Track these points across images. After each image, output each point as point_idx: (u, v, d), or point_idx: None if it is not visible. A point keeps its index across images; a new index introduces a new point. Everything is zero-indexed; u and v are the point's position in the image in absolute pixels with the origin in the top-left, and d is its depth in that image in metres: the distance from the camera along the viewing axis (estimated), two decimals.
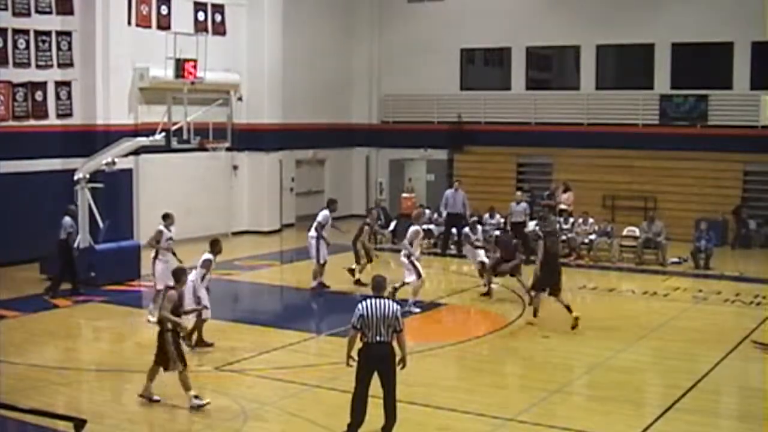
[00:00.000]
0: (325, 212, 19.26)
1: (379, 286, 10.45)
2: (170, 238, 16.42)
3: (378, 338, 10.07)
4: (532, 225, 23.96)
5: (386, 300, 10.26)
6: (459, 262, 22.45)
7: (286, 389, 12.44)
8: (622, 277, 21.61)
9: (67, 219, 18.62)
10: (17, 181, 20.92)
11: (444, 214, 24.37)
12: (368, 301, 10.17)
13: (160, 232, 16.34)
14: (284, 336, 15.36)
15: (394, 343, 10.24)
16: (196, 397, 11.50)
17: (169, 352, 11.49)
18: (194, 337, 14.33)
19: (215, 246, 14.84)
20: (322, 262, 18.94)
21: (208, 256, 14.57)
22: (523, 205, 23.59)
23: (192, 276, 14.15)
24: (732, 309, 17.96)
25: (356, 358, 10.24)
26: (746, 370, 13.94)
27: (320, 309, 18.46)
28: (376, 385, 10.25)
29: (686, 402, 12.02)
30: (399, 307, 10.44)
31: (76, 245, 19.87)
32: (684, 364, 14.01)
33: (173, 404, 11.98)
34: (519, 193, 24.77)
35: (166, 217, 16.64)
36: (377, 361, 10.13)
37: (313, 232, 18.93)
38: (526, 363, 14.27)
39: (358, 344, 10.26)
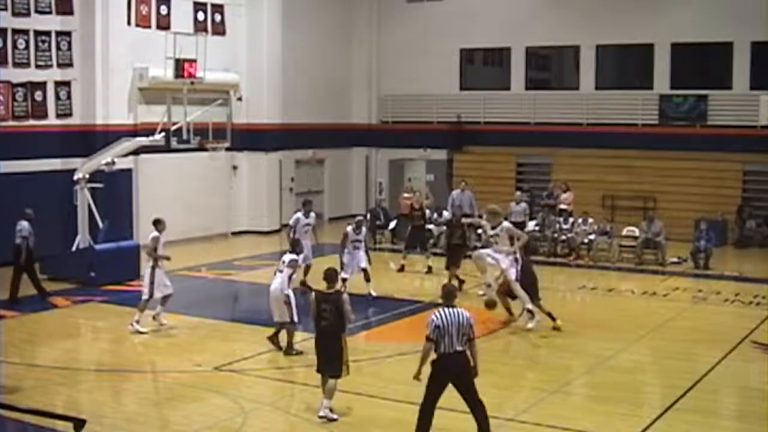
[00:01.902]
0: (296, 215, 18.97)
1: (450, 294, 10.18)
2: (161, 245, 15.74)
3: (454, 348, 9.79)
4: (531, 225, 24.00)
5: (458, 308, 9.98)
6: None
7: (286, 389, 12.44)
8: (621, 277, 21.61)
9: (24, 223, 17.64)
10: (17, 181, 20.90)
11: (449, 214, 24.37)
12: (443, 310, 9.88)
13: (157, 239, 15.59)
14: (284, 336, 15.34)
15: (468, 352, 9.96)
16: (331, 409, 11.08)
17: (347, 359, 11.05)
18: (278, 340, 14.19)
19: (297, 246, 14.73)
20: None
21: (293, 256, 14.25)
22: (523, 205, 23.59)
23: (278, 281, 13.95)
24: (731, 309, 17.96)
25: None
26: (746, 370, 13.94)
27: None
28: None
29: (686, 402, 12.03)
30: (469, 315, 10.09)
31: (74, 247, 19.90)
32: (683, 364, 14.02)
33: (173, 404, 12.00)
34: (518, 193, 24.81)
35: (158, 223, 15.78)
36: (454, 372, 9.84)
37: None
38: (526, 363, 14.28)
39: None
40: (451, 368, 9.81)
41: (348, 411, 11.35)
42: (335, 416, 11.00)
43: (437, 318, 9.78)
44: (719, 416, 12.06)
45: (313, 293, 11.41)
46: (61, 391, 12.45)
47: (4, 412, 10.35)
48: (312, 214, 19.15)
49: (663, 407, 11.81)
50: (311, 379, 12.83)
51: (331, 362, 10.96)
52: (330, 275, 11.30)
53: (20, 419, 10.54)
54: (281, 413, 11.53)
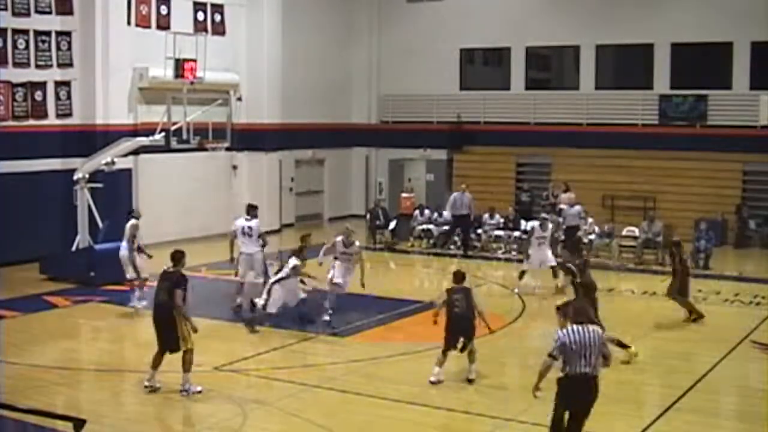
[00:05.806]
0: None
1: (580, 312, 9.60)
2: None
3: (582, 370, 9.24)
4: (530, 225, 23.93)
5: (590, 326, 9.35)
6: (459, 261, 22.41)
7: (285, 389, 12.43)
8: (621, 277, 21.59)
9: None
10: (17, 181, 20.90)
11: (449, 215, 24.42)
12: (571, 327, 9.28)
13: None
14: (284, 336, 15.36)
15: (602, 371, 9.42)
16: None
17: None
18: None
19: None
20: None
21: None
22: (578, 208, 22.76)
23: None
24: (731, 309, 17.96)
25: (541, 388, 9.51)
26: (746, 370, 13.94)
27: (319, 309, 18.42)
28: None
29: (686, 402, 12.02)
30: (603, 330, 9.71)
31: (74, 247, 19.86)
32: (683, 364, 14.03)
33: (173, 404, 11.99)
34: (573, 195, 23.78)
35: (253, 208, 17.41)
36: (580, 397, 9.38)
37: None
38: (525, 363, 14.26)
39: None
40: (577, 392, 9.35)
41: (348, 411, 11.35)
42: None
43: (564, 335, 9.27)
44: (719, 416, 12.05)
45: (446, 287, 13.21)
46: (61, 391, 12.45)
47: (4, 412, 10.33)
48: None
49: (663, 407, 11.80)
50: (311, 378, 12.86)
51: (468, 334, 12.83)
52: (459, 275, 13.21)
53: (20, 419, 10.53)
54: (281, 413, 11.51)
